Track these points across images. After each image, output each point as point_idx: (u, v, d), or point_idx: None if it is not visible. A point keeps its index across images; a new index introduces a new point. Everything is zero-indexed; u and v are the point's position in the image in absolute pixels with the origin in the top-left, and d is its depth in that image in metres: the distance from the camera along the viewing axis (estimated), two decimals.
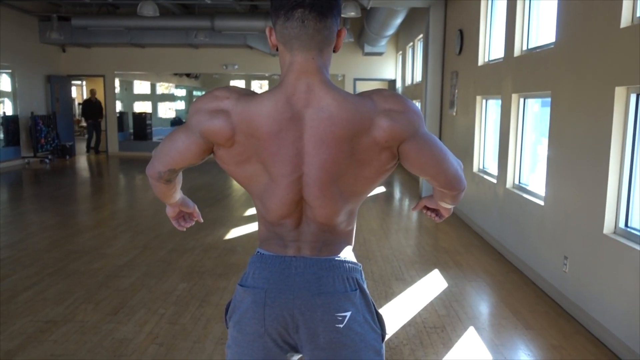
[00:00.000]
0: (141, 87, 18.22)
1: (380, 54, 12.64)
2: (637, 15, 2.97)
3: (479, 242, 5.40)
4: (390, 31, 9.86)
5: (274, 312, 1.23)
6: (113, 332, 3.15)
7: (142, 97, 18.37)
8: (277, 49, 1.22)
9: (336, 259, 1.26)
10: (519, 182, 4.81)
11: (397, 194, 8.84)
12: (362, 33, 11.41)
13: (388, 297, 3.81)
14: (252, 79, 21.30)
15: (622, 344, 2.93)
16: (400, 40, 12.39)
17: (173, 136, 1.26)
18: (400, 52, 12.46)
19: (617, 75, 3.05)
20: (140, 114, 15.12)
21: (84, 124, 17.12)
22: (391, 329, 3.25)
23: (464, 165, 6.36)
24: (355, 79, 13.18)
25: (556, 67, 3.88)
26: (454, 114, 6.94)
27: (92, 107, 13.52)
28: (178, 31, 11.61)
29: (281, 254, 1.26)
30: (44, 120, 11.65)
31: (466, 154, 6.25)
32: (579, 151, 3.52)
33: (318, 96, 1.16)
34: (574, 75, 3.61)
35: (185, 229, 1.57)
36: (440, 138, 7.77)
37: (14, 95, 11.33)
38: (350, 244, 1.33)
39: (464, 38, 6.49)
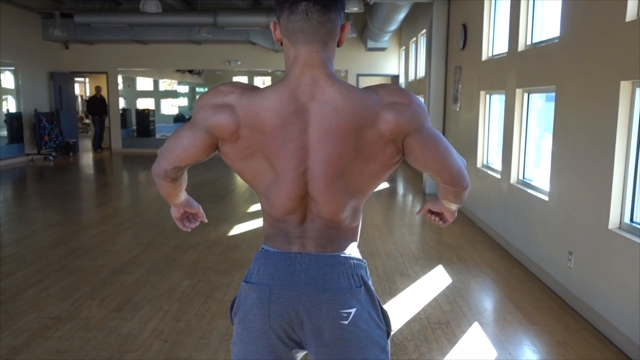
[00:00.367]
0: (144, 83, 18.21)
1: (383, 49, 12.60)
2: None
3: (483, 237, 5.39)
4: (393, 26, 9.82)
5: (278, 309, 1.23)
6: (118, 328, 3.16)
7: (145, 94, 18.36)
8: (281, 44, 1.22)
9: (341, 255, 1.26)
10: (523, 177, 4.80)
11: (400, 189, 8.83)
12: (365, 28, 11.37)
13: (392, 292, 3.80)
14: (254, 75, 21.27)
15: (628, 340, 2.92)
16: (404, 35, 12.35)
17: (178, 134, 1.26)
18: (404, 48, 12.42)
19: (622, 69, 3.03)
20: (143, 110, 15.12)
21: (87, 120, 17.14)
22: (395, 324, 3.25)
23: (468, 160, 6.35)
24: (358, 75, 13.15)
25: (561, 62, 3.86)
26: (458, 109, 6.92)
27: (97, 104, 13.53)
28: (180, 27, 11.59)
29: (286, 251, 1.26)
30: (47, 118, 11.67)
31: (470, 149, 6.24)
32: (584, 146, 3.50)
33: (323, 89, 1.16)
34: (579, 70, 3.58)
35: (189, 230, 1.57)
36: (443, 134, 7.75)
37: (17, 93, 11.35)
38: (355, 241, 1.33)
39: (468, 33, 6.46)
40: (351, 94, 1.16)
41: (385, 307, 1.34)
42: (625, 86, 3.03)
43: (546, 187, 4.12)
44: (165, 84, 19.54)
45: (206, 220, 1.59)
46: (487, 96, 5.87)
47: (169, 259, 4.52)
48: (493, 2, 5.78)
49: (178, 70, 18.17)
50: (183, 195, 1.46)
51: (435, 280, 4.09)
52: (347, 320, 1.22)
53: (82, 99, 19.50)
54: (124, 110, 14.64)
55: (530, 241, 4.37)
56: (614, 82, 3.10)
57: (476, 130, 6.03)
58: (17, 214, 6.60)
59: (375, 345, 1.26)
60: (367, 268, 1.32)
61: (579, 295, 3.49)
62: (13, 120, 11.02)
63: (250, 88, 1.19)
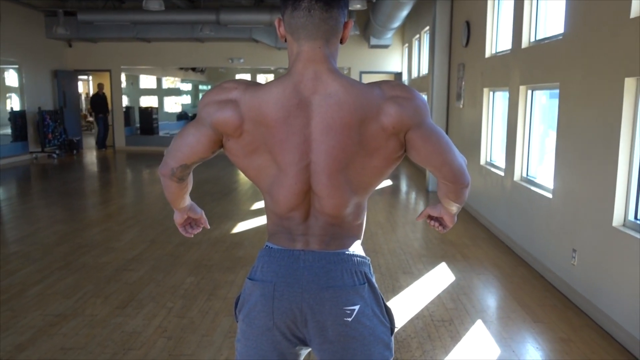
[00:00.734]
0: (147, 81, 18.23)
1: (386, 46, 12.58)
2: None
3: (486, 235, 5.38)
4: (397, 23, 9.80)
5: (282, 306, 1.23)
6: (122, 325, 3.17)
7: (148, 92, 18.38)
8: (285, 40, 1.23)
9: (345, 252, 1.26)
10: (527, 174, 4.78)
11: (403, 187, 8.83)
12: (368, 25, 11.34)
13: (395, 290, 3.81)
14: (257, 72, 21.26)
15: (632, 337, 2.91)
16: (407, 32, 12.32)
17: (183, 132, 1.27)
18: (407, 45, 12.39)
19: (626, 66, 3.01)
20: (147, 108, 15.14)
21: (90, 118, 17.16)
22: (399, 322, 3.25)
23: (471, 158, 6.33)
24: (361, 72, 13.13)
25: (565, 59, 3.85)
26: (461, 106, 6.90)
27: (100, 101, 13.56)
28: (183, 25, 11.60)
29: (290, 248, 1.27)
30: (51, 115, 11.70)
31: (473, 146, 6.22)
32: (588, 143, 3.49)
33: (325, 83, 1.17)
34: (583, 67, 3.57)
35: (192, 236, 1.57)
36: (447, 131, 7.74)
37: (21, 91, 11.38)
38: (359, 238, 1.33)
39: (471, 30, 6.44)
40: (353, 88, 1.17)
41: (389, 304, 1.35)
42: (629, 83, 3.02)
43: (550, 184, 4.11)
44: (168, 82, 19.55)
45: (208, 227, 1.59)
46: (491, 93, 5.85)
47: (172, 257, 4.53)
48: None
49: (181, 68, 18.19)
50: (187, 200, 1.47)
51: (439, 278, 4.09)
52: (350, 317, 1.22)
53: (85, 96, 19.53)
54: (127, 108, 14.66)
55: (534, 239, 4.36)
56: (618, 79, 3.08)
57: (479, 127, 6.02)
58: (22, 211, 6.62)
59: (379, 341, 1.26)
60: (371, 265, 1.32)
61: (583, 292, 3.48)
62: (17, 118, 11.05)
63: (253, 84, 1.21)
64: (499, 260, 4.56)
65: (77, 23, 10.99)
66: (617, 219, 3.13)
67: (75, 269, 4.20)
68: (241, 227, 5.62)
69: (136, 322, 3.21)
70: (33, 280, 3.92)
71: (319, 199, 1.23)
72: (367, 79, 13.49)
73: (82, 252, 4.64)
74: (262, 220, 5.83)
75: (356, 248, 1.30)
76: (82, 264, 4.31)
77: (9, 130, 10.89)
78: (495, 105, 5.84)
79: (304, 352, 1.34)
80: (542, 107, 4.77)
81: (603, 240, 3.26)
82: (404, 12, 8.74)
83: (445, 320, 3.31)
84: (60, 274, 4.07)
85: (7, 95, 11.28)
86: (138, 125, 14.98)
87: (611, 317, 3.13)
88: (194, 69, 18.98)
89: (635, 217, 3.08)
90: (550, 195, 4.07)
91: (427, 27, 9.21)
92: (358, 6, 7.91)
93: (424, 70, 9.94)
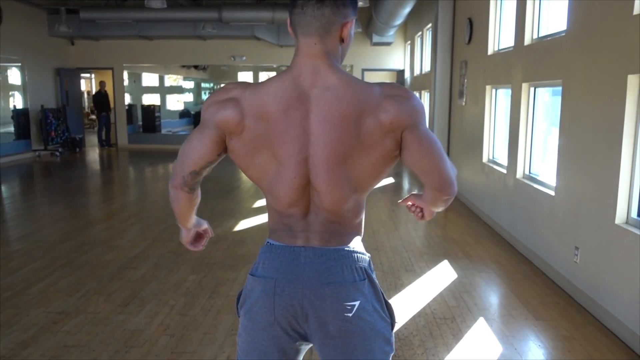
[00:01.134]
0: (149, 79, 18.25)
1: (388, 43, 12.55)
2: None
3: (488, 232, 5.38)
4: (399, 20, 9.77)
5: (283, 301, 1.25)
6: (124, 323, 3.18)
7: (151, 90, 18.39)
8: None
9: (345, 249, 1.27)
10: (529, 172, 4.78)
11: (406, 185, 8.82)
12: (370, 23, 11.33)
13: (397, 288, 3.80)
14: (260, 70, 21.24)
15: (634, 335, 2.91)
16: (409, 29, 12.29)
17: (189, 138, 1.29)
18: (409, 42, 12.36)
19: (629, 63, 3.00)
20: (149, 106, 15.15)
21: (93, 116, 17.19)
22: (401, 320, 3.25)
23: (474, 155, 6.30)
24: (364, 69, 13.11)
25: (567, 56, 3.83)
26: (464, 104, 6.89)
27: (102, 99, 13.57)
28: (186, 23, 11.59)
29: (290, 244, 1.28)
30: (53, 114, 11.72)
31: (476, 144, 6.21)
32: (591, 140, 3.48)
33: (324, 77, 1.20)
34: (586, 64, 3.56)
35: (202, 249, 1.57)
36: (449, 128, 7.73)
37: (24, 89, 11.40)
38: (359, 235, 1.34)
39: (474, 27, 6.42)
40: (352, 83, 1.20)
41: (391, 302, 1.35)
42: (632, 80, 3.00)
43: (552, 182, 4.10)
44: (170, 80, 19.57)
45: (212, 235, 1.59)
46: (493, 91, 5.84)
47: (175, 254, 4.54)
48: None
49: (183, 66, 18.19)
50: (194, 217, 1.47)
51: (441, 276, 4.08)
52: (351, 312, 1.24)
53: (88, 94, 19.56)
54: (129, 106, 14.67)
55: (537, 236, 4.35)
56: (621, 76, 3.07)
57: (482, 124, 6.01)
58: (25, 209, 6.64)
59: (380, 336, 1.28)
60: (371, 261, 1.33)
61: (585, 290, 3.48)
62: (20, 116, 11.08)
63: (254, 83, 1.25)
64: (501, 257, 4.56)
65: (79, 21, 10.99)
66: (620, 216, 3.12)
67: (78, 266, 4.21)
68: (243, 225, 5.63)
69: (138, 320, 3.22)
70: (36, 278, 3.93)
71: (318, 194, 1.24)
72: (369, 76, 13.47)
73: (85, 250, 4.65)
74: (264, 218, 5.84)
75: (356, 244, 1.30)
76: (84, 262, 4.32)
77: (11, 129, 10.92)
78: (497, 103, 5.83)
79: (305, 347, 1.34)
80: (545, 104, 4.75)
81: (606, 237, 3.25)
82: (406, 10, 8.72)
83: (447, 317, 3.31)
84: (62, 271, 4.09)
85: (10, 93, 11.30)
86: (140, 123, 14.99)
87: (613, 315, 3.13)
88: (196, 67, 18.98)
89: (638, 215, 3.07)
90: (552, 193, 4.06)
91: (430, 25, 9.19)
92: (360, 3, 7.90)
93: (427, 67, 9.92)
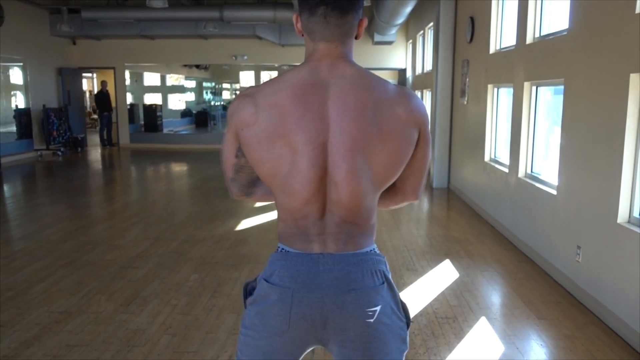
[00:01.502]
0: (151, 78, 18.26)
1: (390, 43, 12.53)
2: None
3: (490, 231, 5.37)
4: (400, 19, 9.76)
5: (301, 311, 1.22)
6: (127, 322, 3.18)
7: (152, 89, 18.40)
8: (302, 35, 1.28)
9: (362, 252, 1.26)
10: (531, 171, 4.77)
11: None
12: (372, 22, 11.31)
13: (399, 287, 3.80)
14: (261, 69, 21.24)
15: (636, 334, 2.90)
16: (411, 28, 12.28)
17: (222, 150, 1.32)
18: (411, 41, 12.35)
19: (632, 61, 2.99)
20: (151, 105, 15.17)
21: (94, 116, 17.20)
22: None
23: (476, 154, 6.31)
24: (365, 69, 13.08)
25: (569, 55, 3.83)
26: (465, 102, 6.88)
27: (103, 99, 13.59)
28: (187, 22, 11.60)
29: (307, 251, 1.25)
30: (55, 113, 11.74)
31: (478, 143, 6.21)
32: (593, 139, 3.47)
33: (341, 69, 1.22)
34: (588, 63, 3.55)
35: None
36: (451, 128, 7.73)
37: (25, 88, 11.42)
38: (373, 236, 1.33)
39: (475, 26, 6.41)
40: (368, 74, 1.24)
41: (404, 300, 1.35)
42: (634, 79, 3.00)
43: (554, 181, 4.10)
44: (172, 79, 19.58)
45: None
46: (495, 89, 5.83)
47: (177, 254, 4.54)
48: None
49: (185, 65, 18.21)
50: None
51: (443, 275, 4.08)
52: (372, 318, 1.22)
53: (90, 94, 19.58)
54: (131, 105, 14.69)
55: (539, 235, 4.35)
56: (623, 75, 3.07)
57: (484, 124, 6.00)
58: (27, 209, 6.65)
59: (397, 337, 1.27)
60: (387, 262, 1.32)
61: (588, 289, 3.47)
62: (22, 116, 11.09)
63: (271, 79, 1.26)
64: (503, 257, 4.56)
65: (81, 20, 11.00)
66: (622, 215, 3.12)
67: (80, 266, 4.22)
68: (245, 224, 5.63)
69: (140, 319, 3.23)
70: (38, 278, 3.94)
71: (336, 187, 1.20)
72: None
73: (87, 250, 4.65)
74: (266, 217, 5.84)
75: (373, 247, 1.30)
76: (86, 262, 4.33)
77: (13, 128, 10.93)
78: (499, 102, 5.82)
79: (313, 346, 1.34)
80: (547, 103, 4.75)
81: (608, 237, 3.25)
82: (408, 9, 8.70)
83: (449, 317, 3.31)
84: (65, 271, 4.09)
85: (12, 92, 11.31)
86: (142, 122, 15.01)
87: (616, 314, 3.12)
88: (197, 66, 18.99)
89: None
90: (554, 192, 4.05)
91: (431, 23, 9.18)
92: None
93: (428, 66, 9.91)
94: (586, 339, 3.04)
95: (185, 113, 19.26)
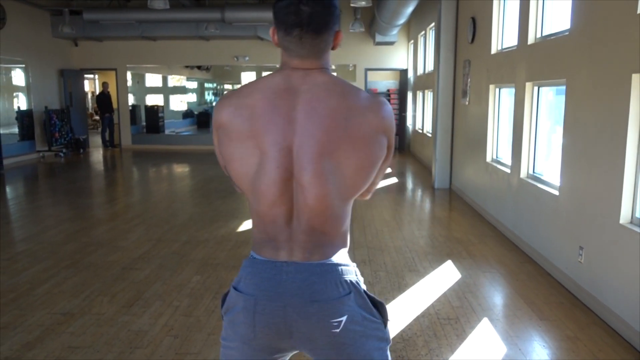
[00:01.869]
0: (153, 80, 18.27)
1: (391, 43, 12.53)
2: None
3: (492, 232, 5.36)
4: (402, 20, 9.75)
5: (264, 320, 1.23)
6: (129, 324, 3.19)
7: (154, 90, 18.40)
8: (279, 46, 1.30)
9: (328, 262, 1.24)
10: (533, 171, 4.76)
11: (409, 184, 8.81)
12: (373, 22, 11.31)
13: (401, 288, 3.80)
14: (263, 70, 21.22)
15: (639, 335, 2.89)
16: (412, 29, 12.27)
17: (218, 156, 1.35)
18: (412, 41, 12.34)
19: (633, 61, 2.99)
20: (153, 107, 15.17)
21: (96, 117, 17.22)
22: (404, 320, 3.24)
23: (478, 155, 6.31)
24: (367, 69, 13.09)
25: (571, 55, 3.82)
26: (467, 103, 6.88)
27: (105, 100, 13.61)
28: (189, 23, 11.61)
29: (273, 259, 1.25)
30: (57, 114, 11.75)
31: (479, 143, 6.20)
32: (595, 140, 3.47)
33: (314, 77, 1.24)
34: (590, 63, 3.55)
35: None
36: (452, 128, 7.73)
37: (27, 90, 11.44)
38: (344, 247, 1.31)
39: (477, 26, 6.41)
40: (341, 82, 1.25)
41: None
42: (636, 79, 2.99)
43: (556, 181, 4.09)
44: (174, 80, 19.59)
45: None
46: (497, 90, 5.83)
47: (178, 255, 4.55)
48: None
49: (186, 67, 18.20)
50: None
51: (445, 276, 4.08)
52: (338, 328, 1.22)
53: (91, 95, 19.61)
54: (133, 106, 14.70)
55: (541, 236, 4.34)
56: (625, 75, 3.06)
57: (485, 124, 5.99)
58: (29, 210, 6.66)
59: (372, 338, 1.27)
60: (357, 270, 1.30)
61: (590, 290, 3.46)
62: (24, 117, 11.11)
63: (248, 82, 1.30)
64: (505, 257, 4.55)
65: (82, 22, 11.03)
66: (625, 216, 3.11)
67: (82, 267, 4.22)
68: (247, 225, 5.63)
69: (143, 321, 3.23)
70: (40, 279, 3.94)
71: (302, 190, 1.20)
72: (372, 76, 13.47)
73: (89, 251, 4.66)
74: None
75: (340, 257, 1.27)
76: (89, 263, 4.33)
77: (16, 130, 10.95)
78: (501, 102, 5.82)
79: (290, 354, 1.35)
80: (549, 103, 4.74)
81: (610, 237, 3.24)
82: (409, 9, 8.70)
83: (451, 318, 3.30)
84: (67, 272, 4.10)
85: (14, 94, 11.34)
86: (144, 123, 15.01)
87: (618, 315, 3.12)
88: (199, 67, 18.98)
89: None
90: (556, 192, 4.04)
91: (433, 24, 9.18)
92: (363, 3, 7.89)
93: (430, 67, 9.91)
94: (588, 339, 3.04)
95: (187, 114, 19.25)
